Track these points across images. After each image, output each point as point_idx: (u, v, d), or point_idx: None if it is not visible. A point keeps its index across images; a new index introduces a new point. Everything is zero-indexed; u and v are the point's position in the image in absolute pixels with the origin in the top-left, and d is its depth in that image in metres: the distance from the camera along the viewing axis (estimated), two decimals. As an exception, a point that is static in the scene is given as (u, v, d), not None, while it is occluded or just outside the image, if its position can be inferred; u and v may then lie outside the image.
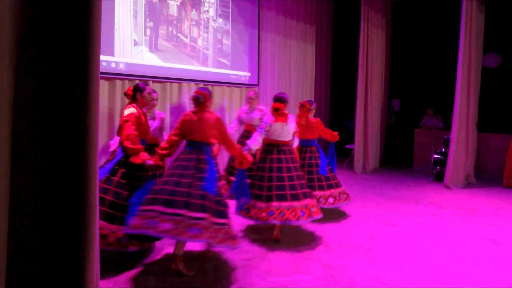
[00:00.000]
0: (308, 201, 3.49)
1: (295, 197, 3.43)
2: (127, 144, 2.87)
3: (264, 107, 5.15)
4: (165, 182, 2.77)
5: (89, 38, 1.55)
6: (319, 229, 3.89)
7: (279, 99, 3.62)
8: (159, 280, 2.72)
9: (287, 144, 3.68)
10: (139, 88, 3.17)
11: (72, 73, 1.54)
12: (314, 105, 4.42)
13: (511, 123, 6.30)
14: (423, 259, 3.20)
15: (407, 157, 8.33)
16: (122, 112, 3.33)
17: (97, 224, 1.65)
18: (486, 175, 6.73)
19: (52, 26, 1.52)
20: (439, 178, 6.52)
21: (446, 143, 6.58)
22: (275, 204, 3.37)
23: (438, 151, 6.73)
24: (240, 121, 5.18)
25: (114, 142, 4.04)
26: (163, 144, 3.10)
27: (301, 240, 3.60)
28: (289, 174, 3.52)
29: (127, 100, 4.83)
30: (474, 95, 6.35)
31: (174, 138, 3.03)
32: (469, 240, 3.67)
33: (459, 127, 6.10)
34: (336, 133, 4.45)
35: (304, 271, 2.92)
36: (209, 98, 3.12)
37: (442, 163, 6.53)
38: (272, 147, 3.63)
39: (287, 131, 3.64)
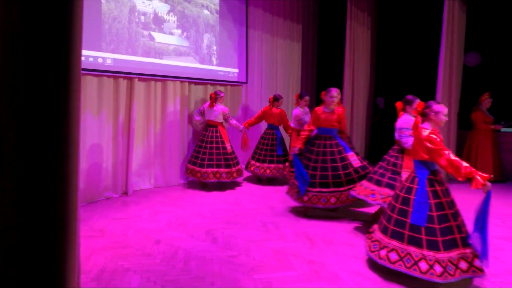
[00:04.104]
0: None
1: None
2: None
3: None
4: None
5: (70, 33, 1.52)
6: (303, 226, 3.92)
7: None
8: (143, 279, 2.70)
9: None
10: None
11: (52, 69, 1.51)
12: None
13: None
14: (405, 254, 3.26)
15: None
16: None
17: (78, 223, 1.63)
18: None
19: (31, 19, 1.48)
20: (421, 174, 6.63)
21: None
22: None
23: (421, 148, 6.85)
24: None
25: None
26: None
27: (285, 236, 3.63)
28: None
29: (114, 97, 4.78)
30: (456, 93, 6.49)
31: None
32: (450, 235, 3.76)
33: (441, 124, 6.22)
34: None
35: (289, 268, 2.95)
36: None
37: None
38: None
39: None
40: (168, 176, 5.63)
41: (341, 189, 4.03)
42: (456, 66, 6.38)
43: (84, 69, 4.37)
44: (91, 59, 4.51)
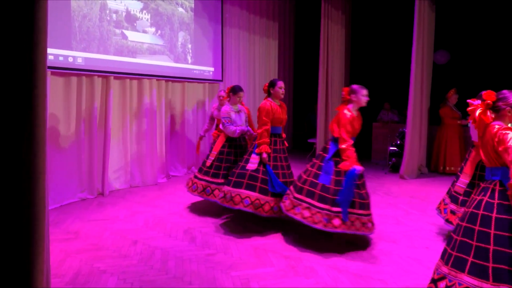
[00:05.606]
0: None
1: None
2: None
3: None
4: None
5: (34, 29, 1.48)
6: (280, 222, 3.98)
7: None
8: (120, 280, 2.68)
9: None
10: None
11: (15, 67, 1.48)
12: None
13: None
14: (379, 246, 3.38)
15: (366, 150, 8.68)
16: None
17: (47, 224, 1.61)
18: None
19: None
20: (395, 169, 6.86)
21: (401, 136, 6.94)
22: None
23: (393, 143, 7.08)
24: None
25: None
26: None
27: (263, 233, 3.68)
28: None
29: (87, 96, 4.67)
30: (426, 90, 6.73)
31: None
32: (420, 227, 3.92)
33: (413, 120, 6.44)
34: None
35: (267, 264, 3.00)
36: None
37: (398, 155, 6.88)
38: None
39: None
40: (145, 175, 5.57)
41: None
42: (427, 64, 6.62)
43: (54, 68, 4.25)
44: (61, 58, 4.39)
